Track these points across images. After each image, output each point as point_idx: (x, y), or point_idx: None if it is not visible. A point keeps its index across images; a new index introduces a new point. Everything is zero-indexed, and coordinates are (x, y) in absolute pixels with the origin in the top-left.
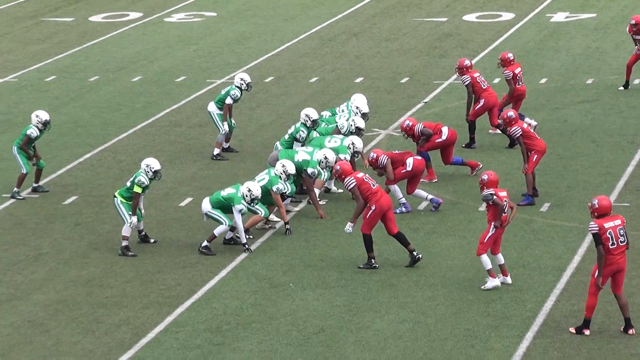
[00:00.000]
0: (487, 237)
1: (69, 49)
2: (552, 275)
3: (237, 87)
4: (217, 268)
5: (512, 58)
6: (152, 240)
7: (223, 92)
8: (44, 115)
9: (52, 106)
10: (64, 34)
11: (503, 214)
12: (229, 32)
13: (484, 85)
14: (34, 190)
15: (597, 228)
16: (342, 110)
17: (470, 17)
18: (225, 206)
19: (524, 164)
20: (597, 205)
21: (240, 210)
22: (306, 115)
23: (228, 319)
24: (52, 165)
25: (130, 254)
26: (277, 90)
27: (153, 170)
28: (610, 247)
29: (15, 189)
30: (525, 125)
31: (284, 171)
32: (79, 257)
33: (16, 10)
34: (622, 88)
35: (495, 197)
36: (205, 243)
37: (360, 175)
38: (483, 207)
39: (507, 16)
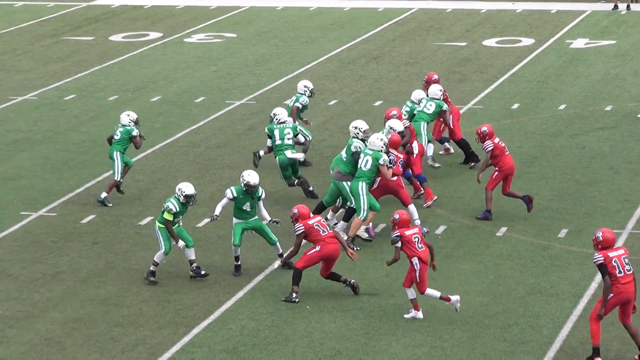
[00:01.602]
0: (413, 273)
1: (88, 68)
2: (569, 302)
3: (302, 94)
4: (234, 289)
5: (437, 78)
6: (203, 272)
7: (292, 103)
8: (134, 115)
9: (71, 125)
10: (84, 53)
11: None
12: (249, 53)
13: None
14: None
15: (602, 258)
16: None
17: (490, 42)
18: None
19: (479, 173)
20: (601, 238)
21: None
22: (355, 128)
23: (244, 340)
24: (70, 184)
25: (152, 279)
26: None
27: (184, 194)
28: (618, 275)
29: (104, 194)
30: (497, 140)
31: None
32: (96, 275)
33: (37, 29)
34: None
35: (399, 241)
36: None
37: (313, 221)
38: (501, 232)
39: (526, 42)
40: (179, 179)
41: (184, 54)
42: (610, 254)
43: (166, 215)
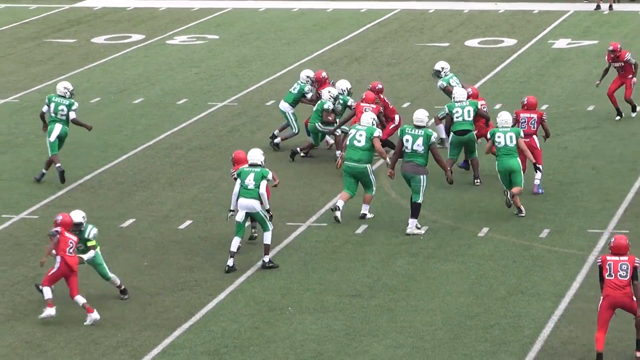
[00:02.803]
0: (52, 272)
1: (70, 71)
2: (550, 302)
3: (304, 83)
4: (216, 291)
5: (326, 76)
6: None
7: (295, 91)
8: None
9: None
10: (66, 55)
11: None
12: (231, 55)
13: (390, 105)
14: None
15: (600, 261)
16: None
17: (472, 43)
18: None
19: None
20: (612, 244)
21: None
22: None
23: (226, 342)
24: (52, 186)
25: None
26: (279, 114)
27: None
28: (606, 277)
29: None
30: None
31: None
32: (78, 278)
33: (18, 31)
34: (618, 118)
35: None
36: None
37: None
38: (483, 233)
39: (509, 42)
40: (161, 181)
41: (166, 56)
42: (609, 257)
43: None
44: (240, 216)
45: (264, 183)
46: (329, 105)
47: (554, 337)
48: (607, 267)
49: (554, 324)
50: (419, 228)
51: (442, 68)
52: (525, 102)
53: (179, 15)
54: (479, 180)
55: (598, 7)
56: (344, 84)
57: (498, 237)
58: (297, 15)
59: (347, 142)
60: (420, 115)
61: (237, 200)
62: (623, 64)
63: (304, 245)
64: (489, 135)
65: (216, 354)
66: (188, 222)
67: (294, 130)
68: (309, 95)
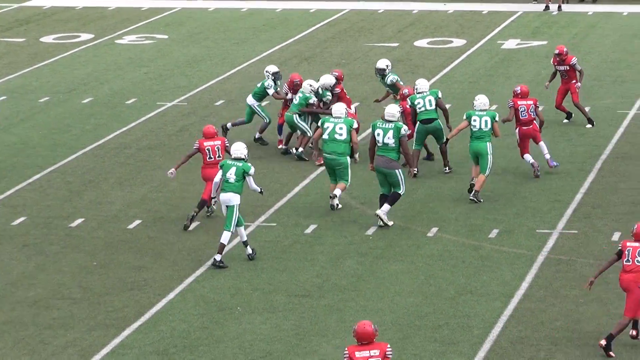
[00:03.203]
0: None
1: (19, 70)
2: (499, 302)
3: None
4: (165, 291)
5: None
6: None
7: (259, 85)
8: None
9: (1, 127)
10: (14, 54)
11: None
12: (180, 55)
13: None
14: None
15: (620, 247)
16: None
17: (422, 43)
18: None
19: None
20: (635, 230)
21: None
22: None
23: (175, 341)
24: (0, 186)
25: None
26: (228, 114)
27: None
28: (624, 262)
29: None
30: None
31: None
32: (26, 278)
33: None
34: (566, 120)
35: None
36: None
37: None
38: (432, 233)
39: (458, 42)
40: (110, 181)
41: (115, 56)
42: (629, 244)
43: None
44: (224, 211)
45: (251, 179)
46: (314, 99)
47: (503, 337)
48: (627, 253)
49: (503, 324)
50: (381, 222)
51: (387, 66)
52: (519, 91)
53: (128, 14)
54: (448, 168)
55: (547, 7)
56: (326, 80)
57: (447, 237)
58: (247, 15)
59: (326, 136)
60: (392, 110)
61: (217, 190)
62: (568, 68)
63: (253, 245)
64: (465, 117)
65: (165, 354)
66: (137, 222)
67: (265, 121)
68: (270, 91)
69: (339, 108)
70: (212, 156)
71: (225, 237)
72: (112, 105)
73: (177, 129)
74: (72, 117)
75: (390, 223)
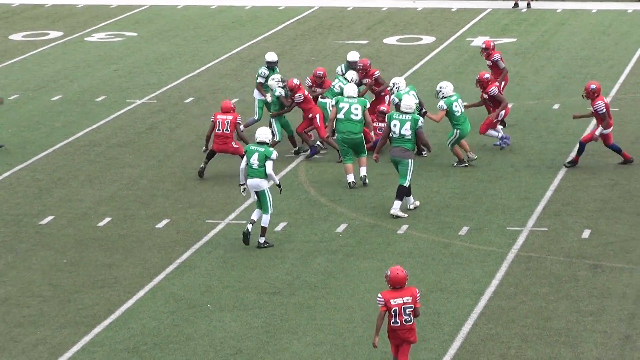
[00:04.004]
0: None
1: None
2: (470, 299)
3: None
4: (135, 288)
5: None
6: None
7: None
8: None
9: None
10: None
11: None
12: (150, 52)
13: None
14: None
15: None
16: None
17: (391, 40)
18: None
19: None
20: None
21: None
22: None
23: (145, 339)
24: None
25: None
26: (198, 111)
27: None
28: None
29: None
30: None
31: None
32: None
33: None
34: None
35: None
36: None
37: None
38: (402, 230)
39: (427, 39)
40: (79, 178)
41: (84, 53)
42: None
43: None
44: (253, 196)
45: (269, 163)
46: (280, 92)
47: (473, 334)
48: None
49: (474, 322)
50: (411, 206)
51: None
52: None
53: (97, 12)
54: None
55: (516, 5)
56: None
57: (417, 235)
58: (216, 12)
59: (342, 116)
60: (409, 102)
61: (244, 176)
62: (491, 64)
63: (223, 243)
64: (445, 106)
65: (136, 352)
66: (107, 220)
67: (255, 117)
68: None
69: (351, 88)
70: (220, 128)
71: (265, 220)
72: (82, 103)
73: (147, 126)
74: (41, 115)
75: (405, 215)
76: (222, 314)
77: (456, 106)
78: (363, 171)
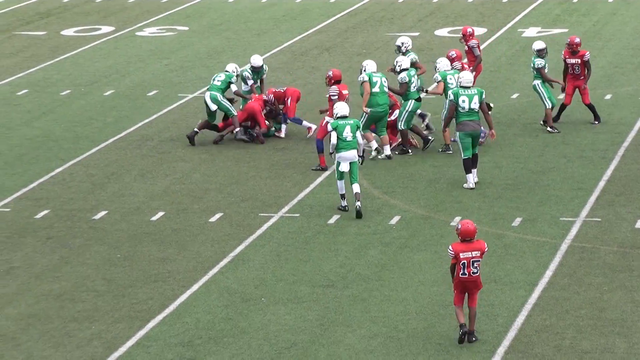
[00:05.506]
0: None
1: (40, 63)
2: (523, 290)
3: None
4: (189, 282)
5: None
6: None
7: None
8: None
9: (23, 120)
10: (35, 47)
11: None
12: (201, 46)
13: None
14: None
15: None
16: None
17: (442, 32)
18: None
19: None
20: None
21: None
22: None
23: (200, 333)
24: (23, 179)
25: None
26: None
27: None
28: None
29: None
30: None
31: None
32: (51, 271)
33: None
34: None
35: None
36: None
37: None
38: (455, 222)
39: (479, 31)
40: (132, 173)
41: (136, 48)
42: None
43: None
44: (345, 167)
45: (359, 134)
46: (234, 79)
47: (527, 325)
48: None
49: (528, 313)
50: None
51: (402, 43)
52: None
53: (148, 6)
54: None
55: None
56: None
57: None
58: (267, 6)
59: (377, 89)
60: (468, 77)
61: (335, 149)
62: (467, 49)
63: (276, 236)
64: (439, 77)
65: (190, 345)
66: (160, 214)
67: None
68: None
69: (371, 62)
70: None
71: (356, 187)
72: (134, 98)
73: (199, 120)
74: (93, 110)
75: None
76: (276, 307)
77: (450, 79)
78: (387, 150)
